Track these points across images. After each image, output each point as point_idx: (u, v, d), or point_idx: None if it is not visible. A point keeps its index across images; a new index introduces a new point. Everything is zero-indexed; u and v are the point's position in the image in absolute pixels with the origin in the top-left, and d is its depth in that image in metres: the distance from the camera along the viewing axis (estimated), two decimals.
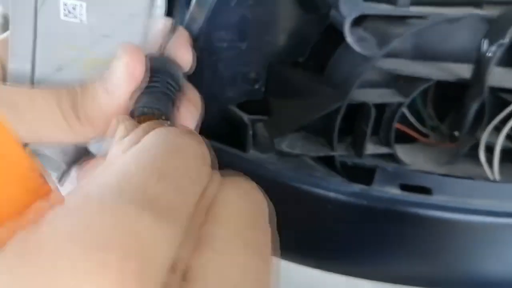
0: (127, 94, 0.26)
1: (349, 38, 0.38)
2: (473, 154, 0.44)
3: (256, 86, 0.45)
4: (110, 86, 0.26)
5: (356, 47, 0.38)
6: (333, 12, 0.40)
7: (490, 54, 0.39)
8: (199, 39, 0.42)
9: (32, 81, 0.29)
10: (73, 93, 0.27)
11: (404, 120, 0.46)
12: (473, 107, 0.40)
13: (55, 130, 0.26)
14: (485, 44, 0.39)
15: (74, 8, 0.27)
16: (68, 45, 0.28)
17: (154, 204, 0.16)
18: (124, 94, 0.26)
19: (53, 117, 0.26)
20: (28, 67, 0.28)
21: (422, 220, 0.41)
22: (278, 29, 0.44)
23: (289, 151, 0.42)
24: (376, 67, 0.40)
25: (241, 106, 0.46)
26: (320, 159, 0.43)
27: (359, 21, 0.39)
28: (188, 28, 0.41)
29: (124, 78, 0.26)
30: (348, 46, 0.40)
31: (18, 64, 0.28)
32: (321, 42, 0.44)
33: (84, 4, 0.27)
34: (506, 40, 0.38)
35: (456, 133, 0.42)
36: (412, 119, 0.46)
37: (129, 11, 0.28)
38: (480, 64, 0.39)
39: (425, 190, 0.41)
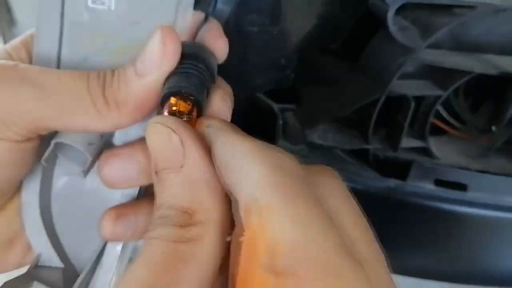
0: (160, 76, 0.25)
1: (392, 28, 0.36)
2: (506, 149, 0.43)
3: (286, 73, 0.43)
4: (141, 67, 0.25)
5: (399, 37, 0.37)
6: None
7: None
8: (229, 23, 0.40)
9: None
10: (103, 76, 0.25)
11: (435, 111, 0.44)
12: None
13: (83, 115, 0.24)
14: None
15: None
16: (95, 33, 0.26)
17: None
18: (156, 76, 0.24)
19: (81, 100, 0.24)
20: (54, 56, 0.27)
21: (456, 216, 0.40)
22: (312, 14, 0.42)
23: (321, 143, 0.41)
24: (416, 58, 0.38)
25: (267, 94, 0.44)
26: (352, 151, 0.42)
27: (398, 9, 0.37)
28: (217, 11, 0.38)
29: (157, 58, 0.24)
30: (386, 35, 0.38)
31: (43, 52, 0.27)
32: (355, 29, 0.42)
33: None
34: None
35: (494, 128, 0.41)
36: (443, 111, 0.45)
37: None
38: None
39: (461, 187, 0.40)
